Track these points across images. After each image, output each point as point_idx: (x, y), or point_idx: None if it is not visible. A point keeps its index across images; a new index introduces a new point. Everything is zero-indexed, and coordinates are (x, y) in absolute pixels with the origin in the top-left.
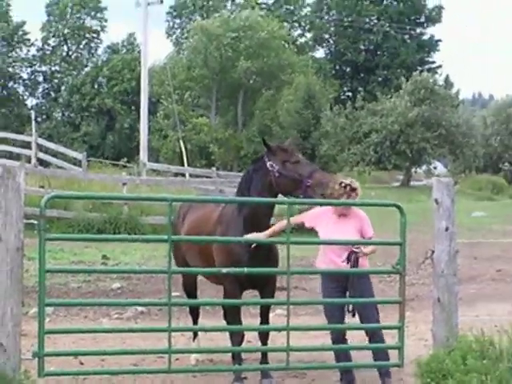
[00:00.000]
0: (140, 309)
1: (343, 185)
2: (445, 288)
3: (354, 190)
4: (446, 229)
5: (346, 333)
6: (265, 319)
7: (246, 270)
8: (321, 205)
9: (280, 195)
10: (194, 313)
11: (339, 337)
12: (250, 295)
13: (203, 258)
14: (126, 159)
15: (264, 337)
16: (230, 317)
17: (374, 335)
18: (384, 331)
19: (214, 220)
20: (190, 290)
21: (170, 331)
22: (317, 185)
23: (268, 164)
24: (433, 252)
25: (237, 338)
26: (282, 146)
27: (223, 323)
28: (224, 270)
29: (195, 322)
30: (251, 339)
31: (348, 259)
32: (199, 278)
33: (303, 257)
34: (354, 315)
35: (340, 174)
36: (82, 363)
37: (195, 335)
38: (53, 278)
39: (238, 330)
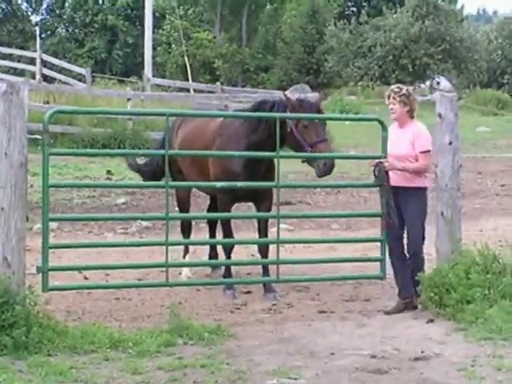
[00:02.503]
0: (145, 223)
1: (387, 94)
2: (448, 202)
3: (403, 95)
4: (450, 143)
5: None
6: (263, 233)
7: (239, 184)
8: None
9: None
10: (186, 229)
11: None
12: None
13: (197, 169)
14: (132, 77)
15: (263, 250)
16: (224, 228)
17: (413, 254)
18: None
19: (211, 131)
20: (183, 204)
21: (167, 245)
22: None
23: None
24: (436, 166)
25: (227, 249)
26: (302, 103)
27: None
28: (218, 185)
29: (187, 237)
30: (254, 253)
31: (374, 171)
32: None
33: (309, 172)
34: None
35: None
36: (86, 278)
37: (186, 252)
38: (57, 193)
39: (230, 243)
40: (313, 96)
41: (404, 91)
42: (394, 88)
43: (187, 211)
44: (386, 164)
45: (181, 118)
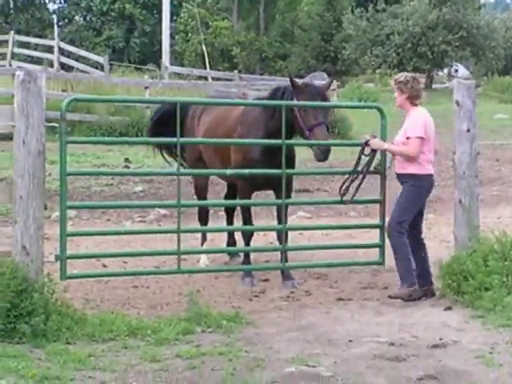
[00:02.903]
0: (162, 211)
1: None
2: (466, 190)
3: (399, 82)
4: (468, 130)
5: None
6: (281, 220)
7: (247, 171)
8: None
9: None
10: (204, 217)
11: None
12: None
13: (220, 157)
14: (150, 64)
15: (281, 237)
16: (244, 215)
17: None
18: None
19: (233, 118)
20: (201, 191)
21: (178, 233)
22: (313, 138)
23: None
24: (454, 153)
25: (246, 236)
26: (306, 87)
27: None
28: (228, 172)
29: (204, 225)
30: (273, 240)
31: (362, 151)
32: (217, 179)
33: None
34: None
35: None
36: (104, 266)
37: (203, 240)
38: (75, 181)
39: (242, 230)
40: (319, 82)
41: (401, 78)
42: (395, 76)
43: (205, 199)
44: (370, 142)
45: (201, 107)
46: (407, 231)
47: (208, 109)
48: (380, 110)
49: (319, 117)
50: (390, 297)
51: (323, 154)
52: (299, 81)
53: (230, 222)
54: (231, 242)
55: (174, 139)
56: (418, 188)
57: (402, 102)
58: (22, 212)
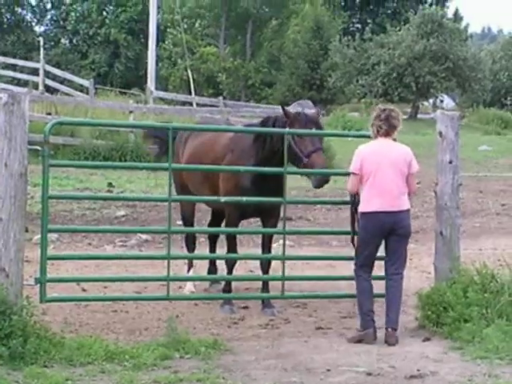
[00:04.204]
0: (144, 237)
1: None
2: (447, 221)
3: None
4: (450, 162)
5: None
6: (266, 248)
7: (244, 199)
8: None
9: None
10: (191, 242)
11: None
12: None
13: (207, 184)
14: (134, 89)
15: (265, 266)
16: (230, 243)
17: None
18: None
19: (221, 146)
20: (188, 217)
21: (168, 259)
22: (311, 166)
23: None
24: (436, 184)
25: (230, 264)
26: (299, 115)
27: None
28: (223, 199)
29: (192, 252)
30: (253, 269)
31: None
32: (200, 205)
33: (310, 188)
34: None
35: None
36: (84, 290)
37: (190, 266)
38: (58, 204)
39: (235, 258)
40: (310, 111)
41: (374, 113)
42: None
43: (192, 226)
44: None
45: (188, 132)
46: (368, 271)
47: (194, 134)
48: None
49: (316, 143)
50: (348, 340)
51: (324, 180)
52: (292, 110)
53: (212, 249)
54: (213, 269)
55: (166, 165)
56: (363, 227)
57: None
58: (2, 234)
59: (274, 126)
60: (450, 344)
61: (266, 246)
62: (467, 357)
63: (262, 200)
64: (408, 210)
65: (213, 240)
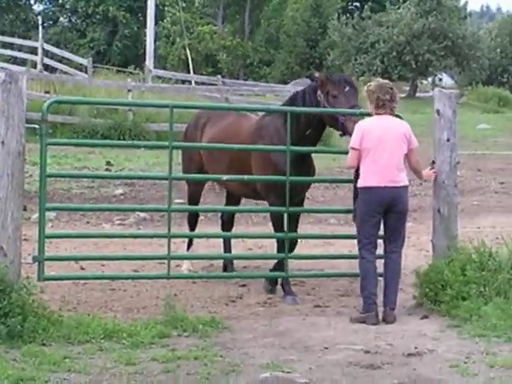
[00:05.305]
0: (142, 215)
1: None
2: (445, 199)
3: (368, 91)
4: (448, 140)
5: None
6: (293, 228)
7: (246, 177)
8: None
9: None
10: (193, 221)
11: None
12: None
13: (235, 170)
14: (132, 66)
15: (290, 246)
16: (276, 226)
17: None
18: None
19: (248, 133)
20: (194, 198)
21: (169, 237)
22: (349, 122)
23: (318, 94)
24: (433, 162)
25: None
26: (329, 77)
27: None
28: (224, 178)
29: (192, 230)
30: (252, 247)
31: None
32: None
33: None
34: None
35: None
36: (82, 268)
37: (189, 245)
38: (56, 183)
39: (237, 236)
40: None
41: (370, 87)
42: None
43: (196, 205)
44: None
45: (206, 116)
46: (372, 252)
47: (212, 120)
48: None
49: (351, 100)
50: (350, 320)
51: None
52: (320, 75)
53: (226, 230)
54: (228, 251)
55: (166, 143)
56: (363, 202)
57: (371, 111)
58: (0, 213)
59: (304, 101)
60: (448, 322)
61: (293, 225)
62: (465, 335)
63: (264, 179)
64: (406, 187)
65: (228, 222)
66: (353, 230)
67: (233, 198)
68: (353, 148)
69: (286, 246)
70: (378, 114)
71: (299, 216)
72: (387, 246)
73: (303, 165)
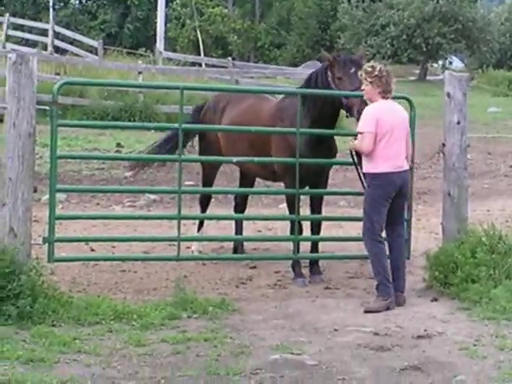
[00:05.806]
0: (153, 197)
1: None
2: (455, 182)
3: (374, 76)
4: (458, 122)
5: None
6: (316, 211)
7: (256, 159)
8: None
9: None
10: (205, 202)
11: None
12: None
13: (254, 153)
14: (143, 49)
15: (315, 228)
16: (290, 209)
17: None
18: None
19: (268, 115)
20: (208, 180)
21: (179, 219)
22: (352, 105)
23: (328, 74)
24: (443, 145)
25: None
26: (337, 58)
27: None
28: (234, 159)
29: (204, 211)
30: (261, 229)
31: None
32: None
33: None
34: None
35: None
36: (92, 250)
37: (200, 227)
38: (66, 165)
39: (248, 219)
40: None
41: (376, 72)
42: (367, 68)
43: (209, 187)
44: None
45: (226, 99)
46: (381, 236)
47: (232, 103)
48: (409, 101)
49: (355, 82)
50: (365, 311)
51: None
52: (328, 56)
53: (240, 212)
54: (239, 233)
55: (176, 125)
56: (373, 188)
57: (373, 96)
58: (10, 194)
59: (317, 81)
60: (458, 304)
61: (316, 208)
62: (474, 317)
63: (271, 160)
64: (410, 170)
65: (242, 203)
66: (359, 212)
67: (247, 180)
68: (370, 132)
69: (297, 227)
70: (385, 98)
71: (322, 198)
72: (394, 229)
73: (321, 147)
